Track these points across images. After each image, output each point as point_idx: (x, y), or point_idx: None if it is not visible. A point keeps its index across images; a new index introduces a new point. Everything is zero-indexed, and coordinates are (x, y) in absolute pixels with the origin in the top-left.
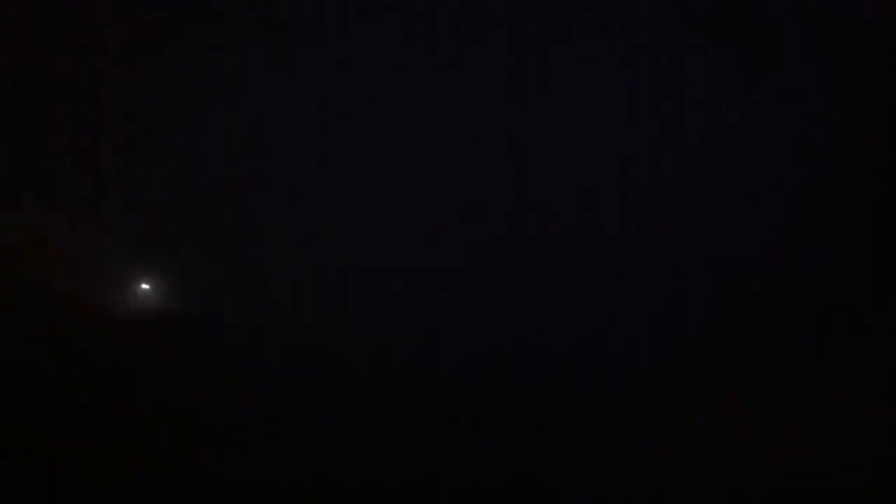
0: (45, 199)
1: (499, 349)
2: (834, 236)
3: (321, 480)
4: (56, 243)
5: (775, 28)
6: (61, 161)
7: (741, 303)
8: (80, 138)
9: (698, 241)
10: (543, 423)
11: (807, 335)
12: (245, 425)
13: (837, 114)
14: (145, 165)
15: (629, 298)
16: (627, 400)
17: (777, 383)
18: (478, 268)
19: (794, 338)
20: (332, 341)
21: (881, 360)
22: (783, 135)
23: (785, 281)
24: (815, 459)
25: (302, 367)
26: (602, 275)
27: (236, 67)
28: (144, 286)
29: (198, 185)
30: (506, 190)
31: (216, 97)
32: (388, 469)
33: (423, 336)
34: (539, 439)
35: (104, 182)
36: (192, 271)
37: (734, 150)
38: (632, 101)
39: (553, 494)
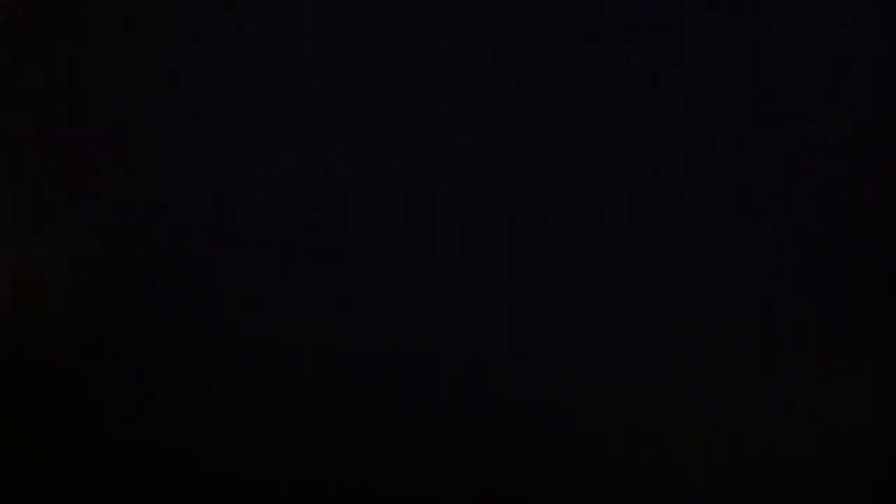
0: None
1: (498, 346)
2: (838, 238)
3: (317, 480)
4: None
5: (779, 28)
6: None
7: (744, 303)
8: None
9: (700, 242)
10: (543, 422)
11: (810, 337)
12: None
13: (842, 115)
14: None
15: (631, 300)
16: (627, 400)
17: (779, 384)
18: (476, 266)
19: (798, 340)
20: (326, 337)
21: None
22: (789, 137)
23: (790, 285)
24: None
25: (296, 364)
26: (605, 276)
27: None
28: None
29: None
30: (505, 189)
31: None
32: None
33: (420, 332)
34: (538, 439)
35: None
36: (189, 267)
37: (737, 153)
38: (632, 100)
39: (553, 494)
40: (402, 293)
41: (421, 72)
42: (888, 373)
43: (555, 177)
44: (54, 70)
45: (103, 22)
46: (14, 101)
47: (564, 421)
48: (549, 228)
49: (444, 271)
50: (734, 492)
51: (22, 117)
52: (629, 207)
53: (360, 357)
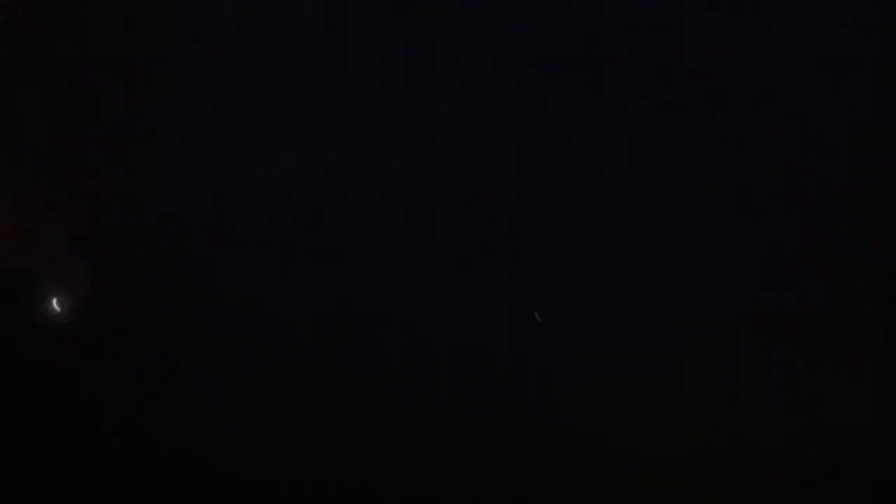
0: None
1: (498, 346)
2: (838, 238)
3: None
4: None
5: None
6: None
7: (744, 303)
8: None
9: (700, 242)
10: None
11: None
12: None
13: (842, 115)
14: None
15: (631, 300)
16: (627, 400)
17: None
18: (476, 266)
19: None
20: (325, 337)
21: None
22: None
23: (790, 285)
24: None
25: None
26: (605, 276)
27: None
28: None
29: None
30: (505, 188)
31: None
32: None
33: (420, 332)
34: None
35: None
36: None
37: (735, 153)
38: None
39: (553, 494)
40: (402, 293)
41: (421, 72)
42: (889, 371)
43: (554, 176)
44: (54, 70)
45: (103, 22)
46: (14, 101)
47: (564, 421)
48: (550, 228)
49: (444, 271)
50: (734, 491)
51: (22, 117)
52: (629, 207)
53: (360, 357)
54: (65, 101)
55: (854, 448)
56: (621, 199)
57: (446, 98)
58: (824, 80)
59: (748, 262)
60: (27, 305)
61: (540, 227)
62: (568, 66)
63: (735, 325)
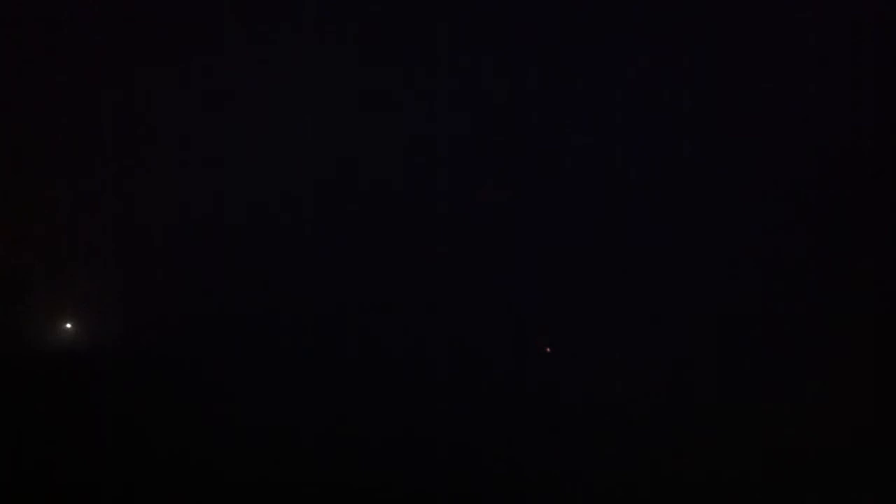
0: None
1: (497, 346)
2: (837, 237)
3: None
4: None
5: (776, 29)
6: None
7: (744, 304)
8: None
9: (697, 241)
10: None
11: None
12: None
13: (842, 115)
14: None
15: (631, 299)
16: (627, 400)
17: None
18: (476, 266)
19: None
20: (324, 338)
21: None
22: (784, 138)
23: (789, 284)
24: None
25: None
26: (605, 276)
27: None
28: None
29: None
30: (504, 188)
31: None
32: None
33: (420, 332)
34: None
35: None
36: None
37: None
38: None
39: (553, 494)
40: (401, 293)
41: (421, 72)
42: (888, 370)
43: (552, 176)
44: (58, 71)
45: (103, 22)
46: (14, 101)
47: (564, 421)
48: (550, 228)
49: (443, 270)
50: (734, 490)
51: (22, 118)
52: (629, 207)
53: (359, 357)
54: (64, 101)
55: (854, 448)
56: (620, 199)
57: (446, 97)
58: (824, 80)
59: (748, 262)
60: (28, 305)
61: (539, 227)
62: (565, 64)
63: (734, 325)
